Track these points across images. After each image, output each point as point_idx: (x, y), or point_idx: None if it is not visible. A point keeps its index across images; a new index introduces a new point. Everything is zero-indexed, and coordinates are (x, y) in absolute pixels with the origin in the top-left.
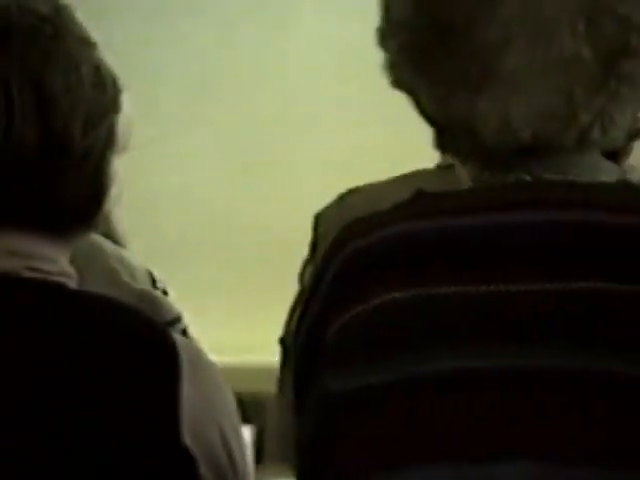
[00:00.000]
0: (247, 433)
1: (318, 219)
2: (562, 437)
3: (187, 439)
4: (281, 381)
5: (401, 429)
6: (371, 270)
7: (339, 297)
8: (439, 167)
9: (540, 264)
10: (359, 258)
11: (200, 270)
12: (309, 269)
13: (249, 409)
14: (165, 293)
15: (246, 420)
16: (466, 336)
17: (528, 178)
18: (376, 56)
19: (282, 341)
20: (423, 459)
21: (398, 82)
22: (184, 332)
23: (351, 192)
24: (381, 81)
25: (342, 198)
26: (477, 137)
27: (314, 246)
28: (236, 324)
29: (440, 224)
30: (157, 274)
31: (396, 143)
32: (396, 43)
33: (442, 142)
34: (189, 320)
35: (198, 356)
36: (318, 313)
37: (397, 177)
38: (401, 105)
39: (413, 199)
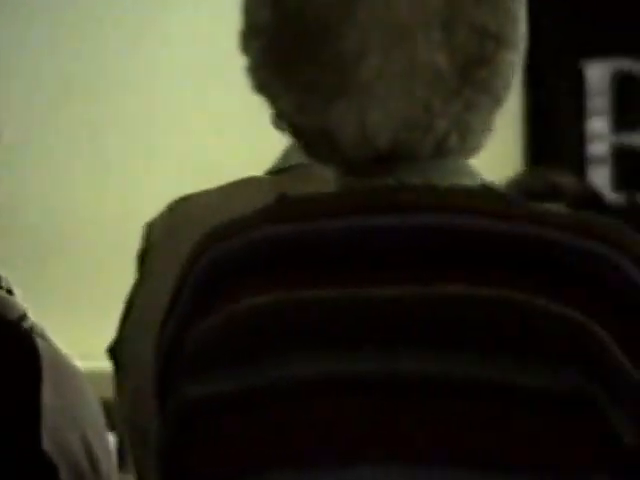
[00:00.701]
0: (112, 439)
1: (149, 228)
2: (421, 441)
3: (47, 445)
4: (117, 391)
5: (259, 435)
6: (233, 275)
7: (201, 302)
8: (271, 172)
9: (401, 268)
10: (221, 263)
11: (52, 273)
12: (138, 280)
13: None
14: (10, 292)
15: (112, 426)
16: (325, 340)
17: (391, 182)
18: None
19: (112, 350)
20: (281, 464)
21: (259, 87)
22: (31, 330)
23: (182, 200)
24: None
25: (172, 207)
26: (335, 145)
27: (143, 255)
28: (94, 327)
29: (302, 228)
30: (1, 273)
31: (261, 146)
32: (256, 47)
33: (302, 148)
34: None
35: (59, 360)
36: (181, 319)
37: (228, 184)
38: (265, 108)
39: (276, 203)
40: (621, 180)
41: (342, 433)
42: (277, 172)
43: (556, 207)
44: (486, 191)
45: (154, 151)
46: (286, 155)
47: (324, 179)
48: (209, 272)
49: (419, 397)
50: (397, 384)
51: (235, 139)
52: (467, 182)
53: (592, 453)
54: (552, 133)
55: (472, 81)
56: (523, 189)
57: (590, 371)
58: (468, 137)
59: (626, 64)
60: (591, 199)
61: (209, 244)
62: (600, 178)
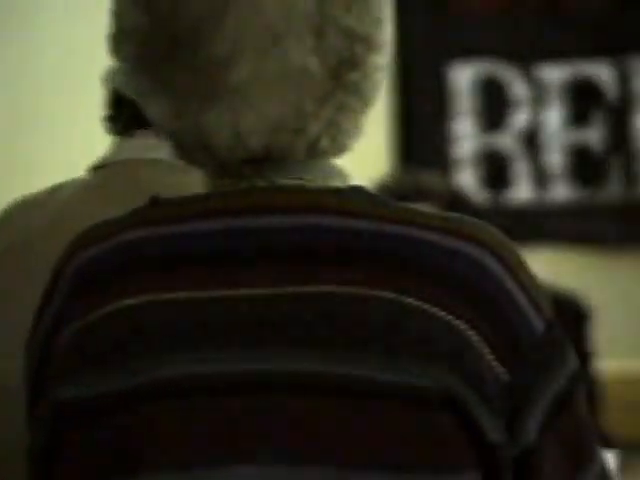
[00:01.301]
0: None
1: None
2: (290, 440)
3: None
4: None
5: (127, 438)
6: (102, 279)
7: (71, 306)
8: (94, 168)
9: (273, 268)
10: (89, 268)
11: None
12: None
13: None
14: None
15: None
16: (195, 342)
17: (262, 184)
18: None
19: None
20: (150, 468)
21: (131, 91)
22: None
23: (15, 203)
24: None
25: (6, 210)
26: (209, 149)
27: None
28: None
29: (173, 230)
30: None
31: None
32: (128, 52)
33: (176, 151)
34: None
35: None
36: (51, 324)
37: (52, 186)
38: None
39: (147, 206)
40: (485, 181)
41: (210, 434)
42: (99, 167)
43: (424, 208)
44: (355, 192)
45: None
46: (115, 150)
47: (138, 177)
48: (78, 277)
49: (288, 396)
50: (266, 384)
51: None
52: (337, 183)
53: (459, 451)
54: (418, 134)
55: (343, 84)
56: (391, 190)
57: (457, 370)
58: (339, 138)
59: (490, 66)
60: (457, 200)
61: (78, 249)
62: (465, 179)
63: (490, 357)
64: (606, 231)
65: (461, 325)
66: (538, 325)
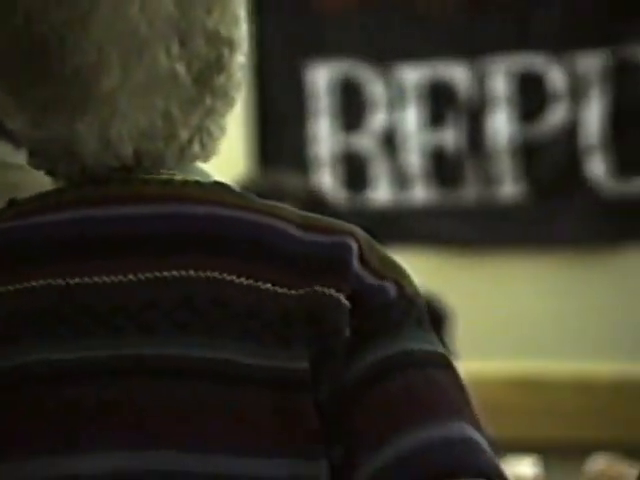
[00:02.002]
0: None
1: None
2: (137, 425)
3: None
4: None
5: None
6: None
7: None
8: None
9: (129, 255)
10: None
11: None
12: None
13: None
14: None
15: None
16: (50, 329)
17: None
18: None
19: None
20: (5, 456)
21: None
22: None
23: None
24: None
25: None
26: (77, 158)
27: None
28: None
29: (27, 222)
30: None
31: None
32: None
33: (34, 162)
34: None
35: None
36: None
37: None
38: None
39: (5, 206)
40: (344, 181)
41: (55, 422)
42: None
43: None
44: (218, 185)
45: None
46: None
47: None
48: None
49: (143, 381)
50: (120, 369)
51: None
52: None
53: (317, 435)
54: (276, 135)
55: (211, 88)
56: (249, 190)
57: (315, 349)
58: (209, 143)
59: (348, 66)
60: (316, 201)
61: None
62: (324, 179)
63: (348, 320)
64: (463, 232)
65: (322, 295)
66: (390, 290)
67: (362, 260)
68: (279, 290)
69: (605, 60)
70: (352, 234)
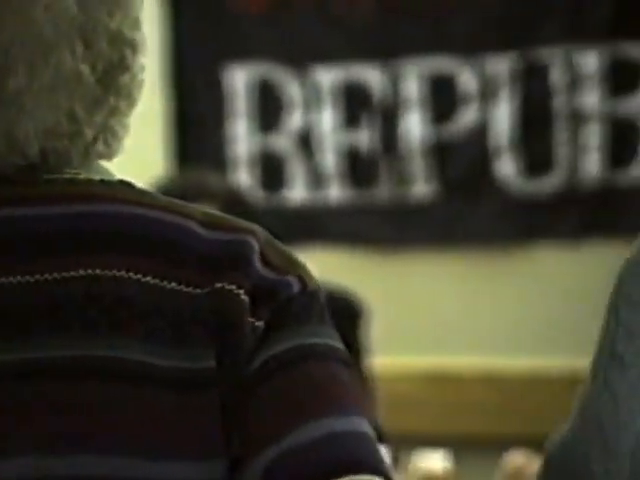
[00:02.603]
0: None
1: None
2: (51, 427)
3: None
4: None
5: None
6: None
7: None
8: None
9: (35, 255)
10: None
11: None
12: None
13: None
14: None
15: None
16: None
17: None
18: None
19: None
20: None
21: None
22: None
23: None
24: None
25: None
26: None
27: None
28: None
29: None
30: None
31: None
32: None
33: None
34: None
35: None
36: None
37: None
38: None
39: None
40: (262, 181)
41: None
42: None
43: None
44: (123, 184)
45: None
46: None
47: None
48: None
49: (48, 382)
50: (32, 371)
51: None
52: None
53: (220, 436)
54: (194, 135)
55: (115, 88)
56: (168, 191)
57: (220, 349)
58: (113, 142)
59: (265, 67)
60: (234, 200)
61: None
62: (242, 179)
63: (248, 315)
64: (378, 230)
65: (222, 291)
66: (293, 284)
67: (263, 257)
68: (184, 289)
69: (514, 62)
70: (253, 232)
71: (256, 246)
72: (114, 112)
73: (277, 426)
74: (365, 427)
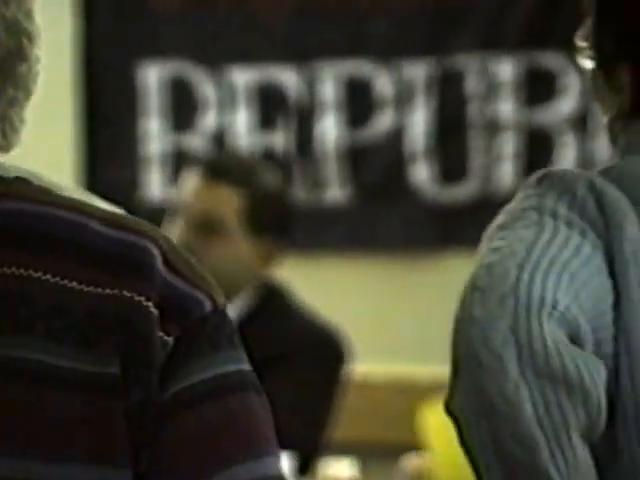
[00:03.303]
0: None
1: None
2: None
3: None
4: None
5: None
6: None
7: None
8: None
9: None
10: None
11: None
12: None
13: None
14: None
15: None
16: None
17: None
18: None
19: None
20: None
21: None
22: None
23: None
24: None
25: None
26: None
27: None
28: None
29: None
30: None
31: None
32: None
33: None
34: None
35: None
36: None
37: None
38: None
39: None
40: (173, 180)
41: None
42: None
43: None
44: (20, 180)
45: None
46: None
47: None
48: None
49: None
50: None
51: None
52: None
53: (121, 444)
54: (107, 133)
55: (13, 78)
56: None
57: (125, 351)
58: (11, 133)
59: (179, 66)
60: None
61: None
62: (153, 178)
63: (158, 329)
64: (291, 234)
65: (130, 301)
66: (204, 302)
67: (168, 264)
68: (85, 289)
69: (430, 69)
70: (155, 238)
71: (157, 253)
72: (12, 103)
73: (189, 473)
74: (276, 469)
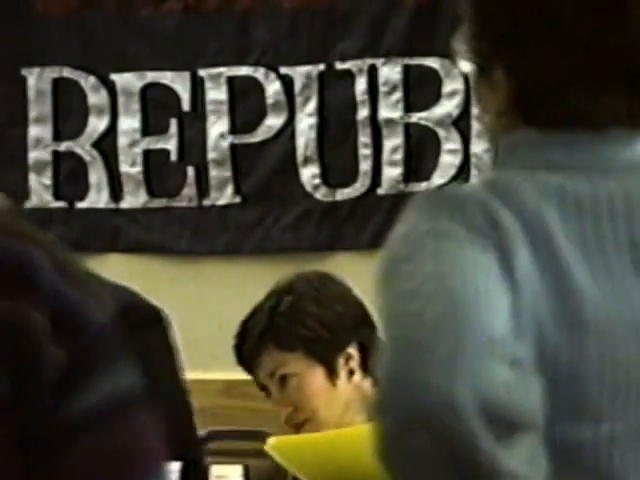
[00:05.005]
0: None
1: None
2: None
3: None
4: None
5: None
6: None
7: None
8: None
9: None
10: None
11: None
12: None
13: None
14: None
15: None
16: None
17: None
18: None
19: None
20: None
21: None
22: None
23: None
24: None
25: None
26: None
27: None
28: None
29: None
30: None
31: None
32: None
33: None
34: None
35: None
36: None
37: None
38: None
39: None
40: (59, 187)
41: None
42: None
43: None
44: None
45: None
46: None
47: None
48: None
49: None
50: None
51: None
52: None
53: (11, 461)
54: None
55: None
56: None
57: (11, 377)
58: None
59: (67, 72)
60: None
61: None
62: (42, 184)
63: (51, 349)
64: (178, 239)
65: (20, 321)
66: (96, 312)
67: (59, 270)
68: None
69: (318, 73)
70: (45, 243)
71: (45, 259)
72: None
73: None
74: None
